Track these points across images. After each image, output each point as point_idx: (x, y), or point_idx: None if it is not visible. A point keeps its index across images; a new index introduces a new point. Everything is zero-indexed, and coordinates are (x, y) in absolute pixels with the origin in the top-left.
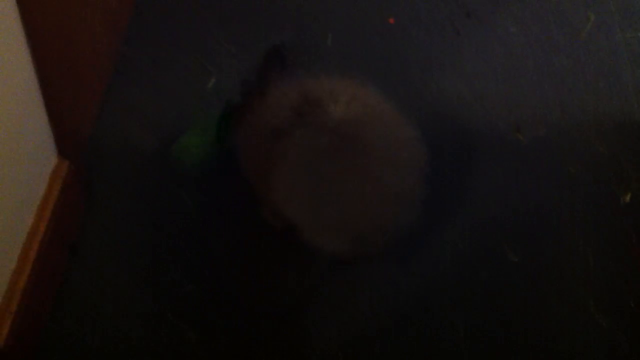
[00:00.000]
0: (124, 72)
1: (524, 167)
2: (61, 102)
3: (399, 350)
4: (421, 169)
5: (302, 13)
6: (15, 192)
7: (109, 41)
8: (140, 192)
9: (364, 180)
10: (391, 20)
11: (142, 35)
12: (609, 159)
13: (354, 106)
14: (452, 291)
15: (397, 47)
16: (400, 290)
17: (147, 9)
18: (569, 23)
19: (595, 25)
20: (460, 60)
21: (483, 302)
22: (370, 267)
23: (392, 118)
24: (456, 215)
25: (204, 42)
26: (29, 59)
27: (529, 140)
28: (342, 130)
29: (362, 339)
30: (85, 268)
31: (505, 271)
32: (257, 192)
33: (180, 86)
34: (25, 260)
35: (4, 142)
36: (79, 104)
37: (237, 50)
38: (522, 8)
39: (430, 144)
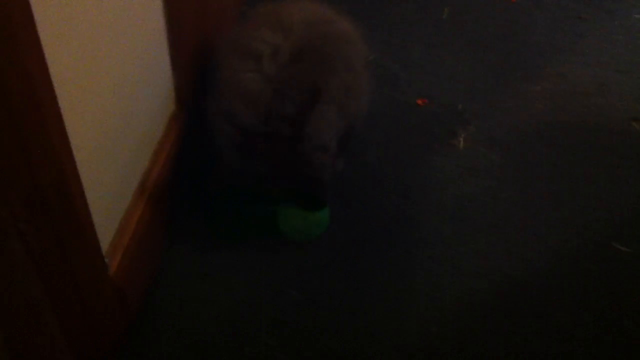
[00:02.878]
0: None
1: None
2: (184, 51)
3: (485, 338)
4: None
5: None
6: (138, 131)
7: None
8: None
9: None
10: (512, 0)
11: None
12: None
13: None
14: (551, 282)
15: (516, 27)
16: (497, 282)
17: None
18: None
19: None
20: (581, 46)
21: (585, 294)
22: (472, 257)
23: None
24: (565, 203)
25: None
26: (162, 7)
27: None
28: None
29: (453, 321)
30: (194, 221)
31: (614, 262)
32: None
33: None
34: (139, 198)
35: (134, 82)
36: (199, 57)
37: (355, 23)
38: None
39: (544, 128)
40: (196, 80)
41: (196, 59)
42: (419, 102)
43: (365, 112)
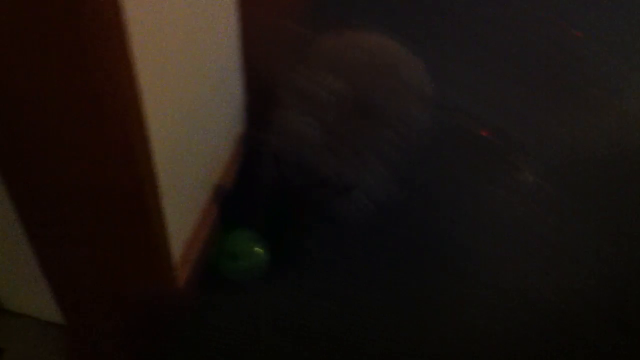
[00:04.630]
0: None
1: None
2: (254, 76)
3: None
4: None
5: (481, 16)
6: (211, 147)
7: (295, 22)
8: None
9: None
10: (577, 34)
11: (322, 17)
12: None
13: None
14: (594, 310)
15: (579, 60)
16: (538, 306)
17: None
18: None
19: None
20: None
21: (629, 323)
22: (516, 281)
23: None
24: (619, 236)
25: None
26: (238, 38)
27: None
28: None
29: (487, 340)
30: None
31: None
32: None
33: None
34: (207, 215)
35: (212, 99)
36: (267, 82)
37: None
38: None
39: (601, 160)
40: (263, 105)
41: (264, 84)
42: (482, 133)
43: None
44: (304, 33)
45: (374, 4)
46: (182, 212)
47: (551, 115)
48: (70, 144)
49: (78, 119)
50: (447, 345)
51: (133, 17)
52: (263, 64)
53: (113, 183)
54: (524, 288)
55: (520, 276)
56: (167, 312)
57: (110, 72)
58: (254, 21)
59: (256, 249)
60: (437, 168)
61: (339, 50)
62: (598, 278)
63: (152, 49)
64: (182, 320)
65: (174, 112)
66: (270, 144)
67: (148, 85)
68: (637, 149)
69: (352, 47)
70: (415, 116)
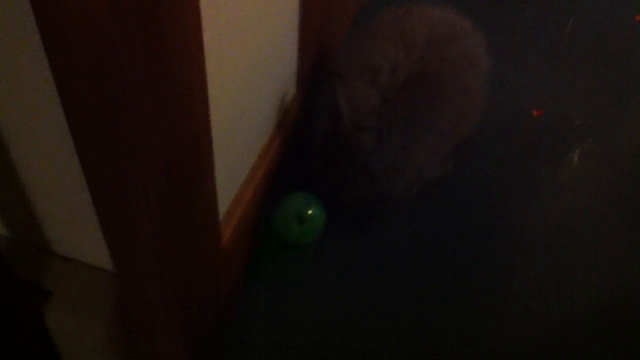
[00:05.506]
0: (360, 24)
1: None
2: (310, 40)
3: (583, 353)
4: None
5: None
6: (263, 107)
7: None
8: None
9: None
10: (638, 18)
11: None
12: None
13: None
14: None
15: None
16: (602, 298)
17: None
18: None
19: None
20: None
21: None
22: (577, 272)
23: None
24: None
25: None
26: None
27: None
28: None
29: (550, 332)
30: None
31: None
32: None
33: None
34: (254, 175)
35: (267, 59)
36: (322, 48)
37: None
38: None
39: None
40: (315, 70)
41: (319, 49)
42: (534, 113)
43: (478, 121)
44: (367, 3)
45: None
46: (231, 170)
47: (612, 101)
48: (133, 91)
49: (146, 70)
50: (506, 333)
51: None
52: (321, 29)
53: (170, 135)
54: (585, 279)
55: (580, 266)
56: (209, 270)
57: (178, 24)
58: None
59: (316, 210)
60: (492, 147)
61: (401, 20)
62: None
63: (218, 6)
64: (224, 283)
65: (231, 69)
66: (326, 101)
67: (210, 42)
68: None
69: (414, 18)
70: (476, 92)
